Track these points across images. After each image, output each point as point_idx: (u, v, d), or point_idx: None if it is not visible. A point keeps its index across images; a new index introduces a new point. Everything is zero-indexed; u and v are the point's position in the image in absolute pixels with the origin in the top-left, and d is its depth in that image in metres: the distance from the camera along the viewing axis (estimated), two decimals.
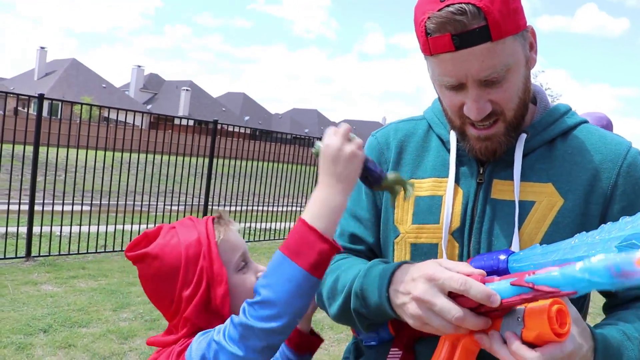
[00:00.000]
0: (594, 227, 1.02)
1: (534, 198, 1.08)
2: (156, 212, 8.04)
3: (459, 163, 1.15)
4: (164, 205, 8.18)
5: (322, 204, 0.96)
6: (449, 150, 1.16)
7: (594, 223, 1.06)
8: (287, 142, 10.36)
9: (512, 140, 1.10)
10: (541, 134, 1.12)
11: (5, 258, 6.34)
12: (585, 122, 1.17)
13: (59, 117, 7.02)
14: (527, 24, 1.05)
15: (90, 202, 7.26)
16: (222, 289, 1.07)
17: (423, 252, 1.14)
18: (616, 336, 0.96)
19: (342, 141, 0.99)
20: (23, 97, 6.68)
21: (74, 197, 6.94)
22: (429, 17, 0.97)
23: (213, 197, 8.88)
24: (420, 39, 1.02)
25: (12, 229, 7.13)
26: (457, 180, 1.14)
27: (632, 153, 1.10)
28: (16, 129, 6.64)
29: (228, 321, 0.97)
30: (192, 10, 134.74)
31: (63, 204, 6.82)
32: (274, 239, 9.63)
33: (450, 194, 1.12)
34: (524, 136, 1.11)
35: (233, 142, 9.18)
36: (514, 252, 0.98)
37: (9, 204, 6.69)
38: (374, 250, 1.27)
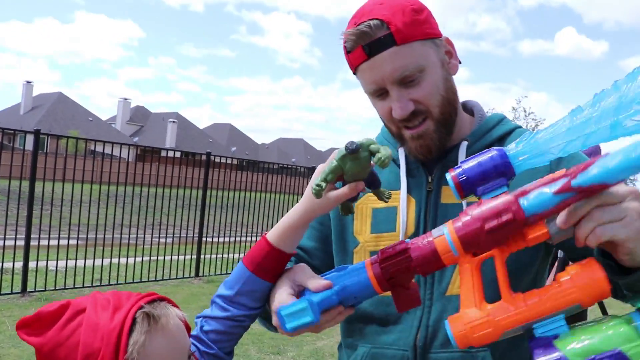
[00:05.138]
0: None
1: None
2: (150, 245, 8.09)
3: (410, 176, 1.26)
4: (159, 238, 8.22)
5: (287, 217, 1.09)
6: (399, 166, 1.28)
7: None
8: (274, 172, 10.50)
9: (444, 137, 1.20)
10: (480, 141, 1.24)
11: (1, 294, 6.35)
12: (519, 127, 1.29)
13: (44, 151, 7.07)
14: (442, 36, 1.21)
15: (85, 236, 7.30)
16: None
17: None
18: None
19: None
20: (9, 131, 6.72)
21: (69, 231, 6.96)
22: (346, 39, 1.16)
23: (207, 229, 8.94)
24: (346, 59, 1.20)
25: (4, 264, 7.13)
26: (409, 191, 1.24)
27: None
28: (5, 164, 6.70)
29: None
30: (175, 41, 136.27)
31: (59, 238, 6.86)
32: None
33: (403, 204, 1.22)
34: (465, 143, 1.22)
35: (222, 173, 9.29)
36: (504, 149, 0.90)
37: (5, 239, 6.71)
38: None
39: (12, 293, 6.47)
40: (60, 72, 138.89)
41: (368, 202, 1.29)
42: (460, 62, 1.31)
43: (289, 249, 1.08)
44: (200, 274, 8.67)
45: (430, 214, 1.21)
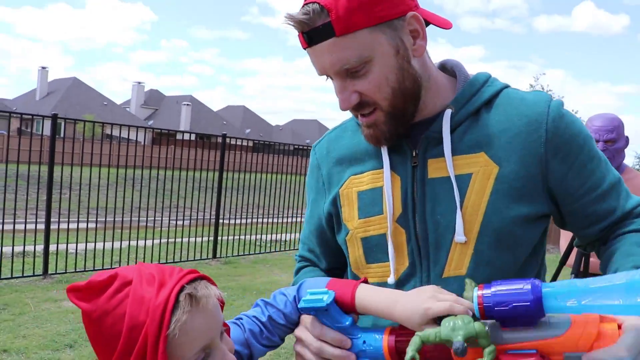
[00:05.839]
0: (537, 187, 1.07)
1: (469, 170, 1.07)
2: (168, 227, 8.17)
3: (392, 151, 1.14)
4: (176, 220, 8.29)
5: (379, 297, 1.02)
6: None
7: (537, 182, 1.08)
8: (289, 154, 10.48)
9: (397, 127, 1.10)
10: (465, 107, 1.11)
11: (23, 276, 6.47)
12: (507, 87, 1.17)
13: (61, 135, 7.13)
14: (409, 12, 1.04)
15: (104, 219, 7.38)
16: None
17: (373, 244, 1.15)
18: None
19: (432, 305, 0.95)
20: (27, 116, 6.81)
21: (88, 214, 7.06)
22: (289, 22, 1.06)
23: (224, 211, 9.00)
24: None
25: (25, 247, 7.26)
26: (393, 168, 1.13)
27: (554, 106, 1.11)
28: (24, 149, 6.78)
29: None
30: (187, 24, 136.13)
31: (78, 221, 6.95)
32: (284, 250, 9.81)
33: (388, 183, 1.12)
34: (449, 111, 1.10)
35: (237, 155, 9.29)
36: (541, 282, 0.85)
37: (25, 223, 6.82)
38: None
39: (34, 275, 6.58)
40: (74, 57, 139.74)
41: (352, 186, 1.20)
42: (450, 27, 1.14)
43: (360, 312, 1.05)
44: (218, 255, 8.75)
45: (418, 191, 1.11)
